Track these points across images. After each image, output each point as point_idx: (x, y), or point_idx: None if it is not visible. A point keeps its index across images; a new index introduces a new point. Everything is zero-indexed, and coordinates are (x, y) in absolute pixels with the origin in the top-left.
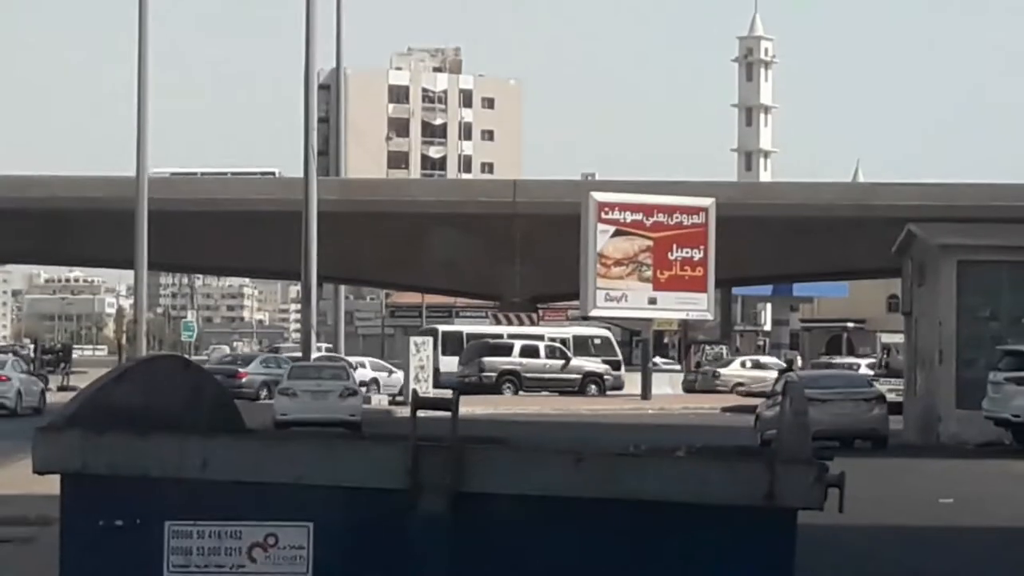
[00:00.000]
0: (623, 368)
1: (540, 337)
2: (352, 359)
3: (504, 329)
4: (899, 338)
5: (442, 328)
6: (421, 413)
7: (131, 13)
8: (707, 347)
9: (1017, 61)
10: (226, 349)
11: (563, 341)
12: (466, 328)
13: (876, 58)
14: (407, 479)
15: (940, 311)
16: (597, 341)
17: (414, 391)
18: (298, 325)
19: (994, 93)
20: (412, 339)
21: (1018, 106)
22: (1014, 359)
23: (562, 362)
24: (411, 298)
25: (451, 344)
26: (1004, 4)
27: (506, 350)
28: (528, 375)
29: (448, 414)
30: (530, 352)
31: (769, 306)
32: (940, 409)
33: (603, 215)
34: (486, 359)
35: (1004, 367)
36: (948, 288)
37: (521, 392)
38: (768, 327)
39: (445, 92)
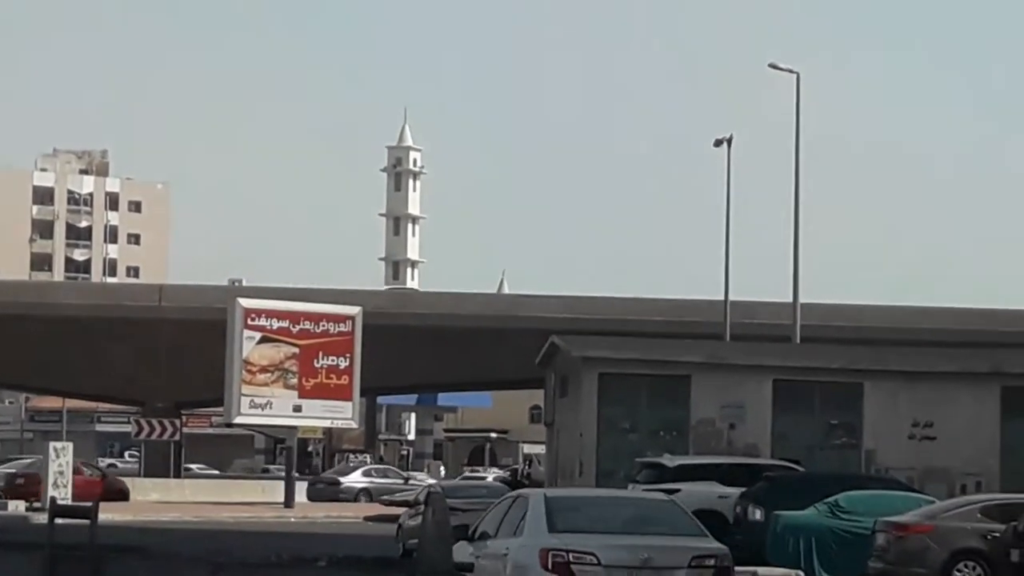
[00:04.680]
0: None
1: None
2: None
3: None
4: (541, 448)
5: None
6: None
7: None
8: (351, 455)
9: (653, 172)
10: None
11: None
12: None
13: (521, 172)
14: None
15: (581, 422)
16: None
17: (52, 498)
18: None
19: (630, 208)
20: (52, 444)
21: (650, 223)
22: (652, 471)
23: None
24: (52, 402)
25: None
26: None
27: None
28: None
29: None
30: None
31: (413, 415)
32: None
33: (249, 321)
34: None
35: (642, 479)
36: (589, 400)
37: None
38: (412, 436)
39: (91, 195)
